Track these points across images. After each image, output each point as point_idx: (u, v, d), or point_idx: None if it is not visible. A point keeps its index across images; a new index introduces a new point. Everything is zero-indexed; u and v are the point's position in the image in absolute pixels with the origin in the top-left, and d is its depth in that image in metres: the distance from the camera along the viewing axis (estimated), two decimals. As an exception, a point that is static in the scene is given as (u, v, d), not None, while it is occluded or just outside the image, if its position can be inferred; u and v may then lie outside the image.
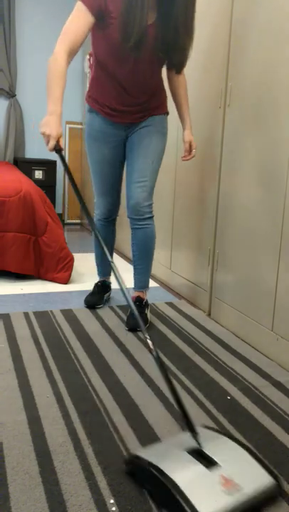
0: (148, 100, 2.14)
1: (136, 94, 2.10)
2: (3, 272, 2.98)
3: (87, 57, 4.54)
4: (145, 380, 1.75)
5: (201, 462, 1.15)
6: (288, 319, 1.90)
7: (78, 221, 5.24)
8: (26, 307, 2.47)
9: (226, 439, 1.27)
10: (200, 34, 2.49)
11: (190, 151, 2.25)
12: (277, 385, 1.77)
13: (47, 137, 1.75)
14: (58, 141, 1.76)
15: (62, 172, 5.14)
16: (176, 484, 1.07)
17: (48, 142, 1.76)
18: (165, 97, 2.24)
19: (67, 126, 5.06)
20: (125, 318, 2.36)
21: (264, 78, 2.00)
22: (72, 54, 1.87)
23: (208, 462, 1.16)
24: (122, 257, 3.72)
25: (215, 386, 1.74)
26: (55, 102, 1.78)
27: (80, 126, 5.08)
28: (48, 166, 4.74)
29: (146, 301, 2.33)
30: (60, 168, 5.13)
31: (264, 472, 1.15)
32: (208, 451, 1.19)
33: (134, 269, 2.31)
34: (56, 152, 1.76)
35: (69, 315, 2.37)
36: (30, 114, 4.97)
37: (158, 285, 3.00)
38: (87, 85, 4.59)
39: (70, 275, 2.91)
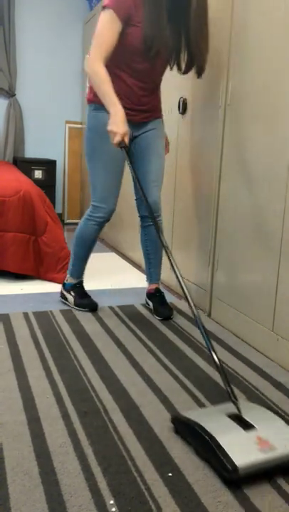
0: (153, 99, 2.27)
1: (148, 91, 2.21)
2: (3, 272, 2.97)
3: (87, 56, 4.53)
4: (145, 381, 1.75)
5: (239, 425, 1.33)
6: (288, 319, 1.89)
7: (78, 221, 5.23)
8: (26, 307, 2.47)
9: (263, 408, 1.44)
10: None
11: (167, 146, 2.47)
12: (278, 385, 1.77)
13: (113, 134, 1.99)
14: (123, 139, 1.99)
15: (62, 172, 5.14)
16: (218, 442, 1.26)
17: (114, 139, 1.99)
18: (160, 99, 2.37)
19: (67, 125, 5.05)
20: (125, 318, 2.36)
21: (264, 77, 2.00)
22: (106, 60, 2.06)
23: (246, 425, 1.33)
24: (122, 257, 3.72)
25: (215, 386, 1.74)
26: (115, 104, 2.00)
27: (79, 126, 5.08)
28: (48, 165, 4.73)
29: None
30: (59, 168, 5.12)
31: None
32: (246, 416, 1.37)
33: (149, 263, 2.49)
34: (121, 148, 2.01)
35: (69, 315, 2.37)
36: (30, 114, 4.96)
37: (158, 285, 3.00)
38: (87, 84, 4.59)
39: (69, 275, 2.91)
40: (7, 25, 4.63)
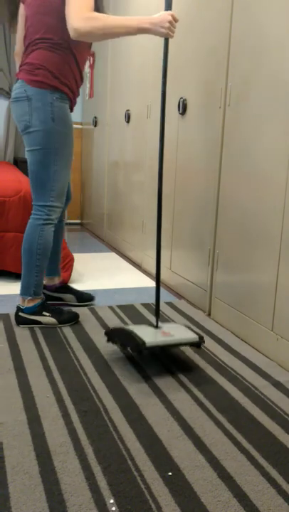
0: None
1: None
2: (3, 272, 2.98)
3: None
4: (145, 380, 1.75)
5: (151, 326, 1.92)
6: (288, 319, 1.90)
7: (78, 221, 5.24)
8: (26, 307, 2.47)
9: (177, 324, 2.00)
10: (200, 34, 2.49)
11: None
12: (277, 384, 1.77)
13: (167, 25, 1.85)
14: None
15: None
16: (133, 331, 1.83)
17: (171, 30, 1.87)
18: None
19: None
20: (125, 317, 2.36)
21: (264, 78, 2.00)
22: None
23: (157, 327, 1.92)
24: (122, 256, 3.72)
25: (215, 386, 1.74)
26: (139, 17, 1.88)
27: (80, 126, 5.08)
28: (48, 165, 4.73)
29: None
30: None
31: (192, 333, 1.89)
32: (160, 324, 1.95)
33: (57, 259, 2.49)
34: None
35: (69, 315, 2.36)
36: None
37: (158, 285, 3.00)
38: (88, 84, 4.59)
39: (70, 275, 2.91)
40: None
